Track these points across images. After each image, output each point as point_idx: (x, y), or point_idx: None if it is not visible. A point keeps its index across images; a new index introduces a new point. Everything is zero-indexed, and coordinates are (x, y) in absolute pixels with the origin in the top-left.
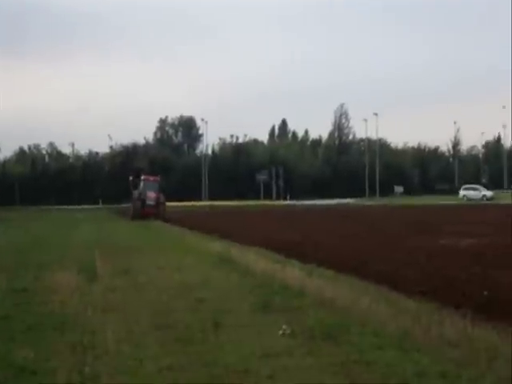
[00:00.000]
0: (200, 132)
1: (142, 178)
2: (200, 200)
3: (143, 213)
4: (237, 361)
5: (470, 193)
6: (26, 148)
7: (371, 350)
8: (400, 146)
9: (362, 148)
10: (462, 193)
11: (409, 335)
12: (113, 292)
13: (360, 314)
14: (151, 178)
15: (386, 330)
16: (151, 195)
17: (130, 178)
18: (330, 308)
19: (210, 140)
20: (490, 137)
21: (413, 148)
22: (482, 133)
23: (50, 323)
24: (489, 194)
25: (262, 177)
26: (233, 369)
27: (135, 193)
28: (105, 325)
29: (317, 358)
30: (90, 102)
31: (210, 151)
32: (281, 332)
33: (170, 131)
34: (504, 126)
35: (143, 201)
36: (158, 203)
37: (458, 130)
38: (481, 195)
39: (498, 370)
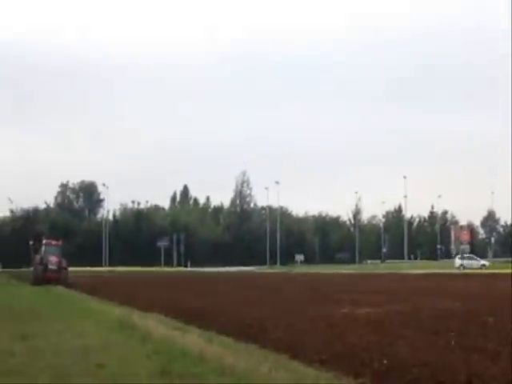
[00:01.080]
0: (101, 197)
1: (44, 241)
2: (100, 265)
3: (45, 278)
4: None
5: (468, 262)
6: None
7: None
8: (301, 214)
9: (264, 216)
10: (458, 262)
11: None
12: (12, 356)
13: (259, 381)
14: (53, 242)
15: None
16: (53, 259)
17: (31, 242)
18: (230, 374)
19: (112, 205)
20: (391, 207)
21: (313, 216)
22: (383, 202)
23: None
24: (487, 263)
25: (162, 243)
26: None
27: (37, 257)
28: None
29: None
30: None
31: (111, 216)
32: None
33: (71, 196)
34: (405, 196)
35: (45, 265)
36: (60, 268)
37: (359, 199)
38: (480, 264)
39: None
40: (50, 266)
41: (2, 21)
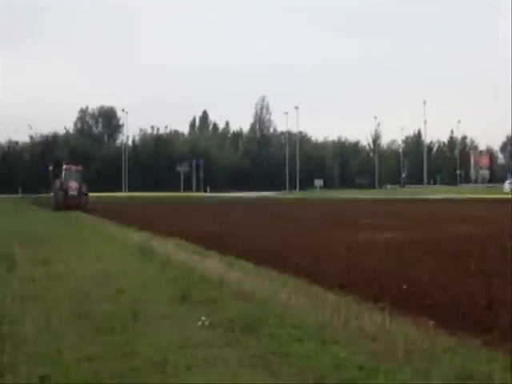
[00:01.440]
0: (120, 123)
1: (64, 167)
2: (120, 191)
3: (65, 203)
4: (155, 351)
5: None
6: None
7: (290, 342)
8: (320, 139)
9: (283, 141)
10: (507, 186)
11: (328, 328)
12: (32, 281)
13: (279, 307)
14: (73, 168)
15: (305, 323)
16: (73, 185)
17: (50, 167)
18: (250, 300)
19: (131, 131)
20: (410, 132)
21: (333, 142)
22: (402, 128)
23: None
24: None
25: (182, 169)
26: (151, 359)
27: (57, 182)
28: (24, 314)
29: (236, 349)
30: (9, 92)
31: (130, 142)
32: (199, 323)
33: (91, 121)
34: (424, 122)
35: (65, 191)
36: (80, 193)
37: (378, 125)
38: None
39: (415, 363)
40: (71, 192)
41: None
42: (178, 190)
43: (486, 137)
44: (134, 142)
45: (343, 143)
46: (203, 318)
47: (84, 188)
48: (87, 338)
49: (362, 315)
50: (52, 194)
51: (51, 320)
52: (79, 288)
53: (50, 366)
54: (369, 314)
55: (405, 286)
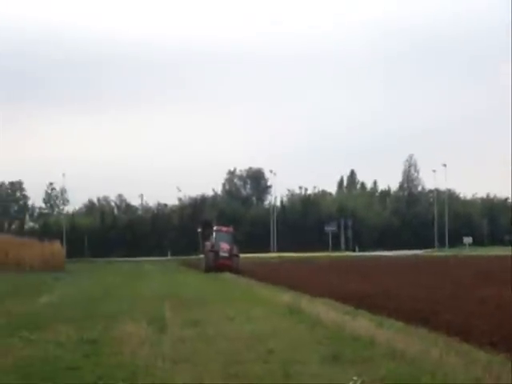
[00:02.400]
0: (268, 184)
1: (215, 228)
2: (269, 251)
3: (217, 265)
4: None
5: None
6: (95, 200)
7: None
8: (469, 196)
9: (431, 199)
10: None
11: None
12: (183, 343)
13: (430, 365)
14: (224, 229)
15: (457, 381)
16: (224, 247)
17: (199, 229)
18: (401, 359)
19: (279, 192)
20: None
21: (481, 199)
22: None
23: (120, 374)
24: None
25: (330, 228)
26: None
27: (208, 244)
28: (175, 375)
29: None
30: (158, 154)
31: (278, 203)
32: (351, 383)
33: (239, 183)
34: None
35: (216, 252)
36: (231, 255)
37: None
38: None
39: None
40: (222, 254)
41: None
42: (326, 249)
43: None
44: (282, 202)
45: (492, 200)
46: (355, 378)
47: (235, 249)
48: None
49: None
50: (202, 255)
51: (203, 381)
52: (230, 349)
53: None
54: None
55: None
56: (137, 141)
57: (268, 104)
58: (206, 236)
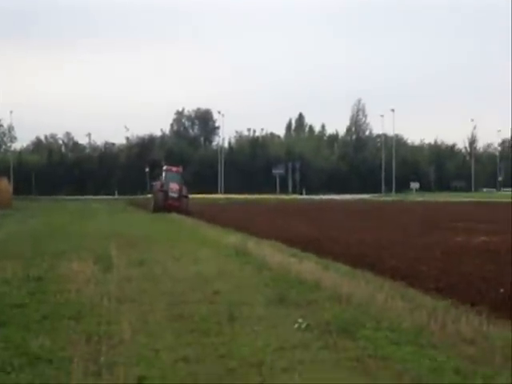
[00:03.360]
0: (216, 125)
1: (164, 168)
2: (216, 193)
3: (166, 205)
4: (252, 353)
5: None
6: (42, 138)
7: (387, 345)
8: (416, 142)
9: (379, 144)
10: None
11: (425, 331)
12: (128, 282)
13: (376, 310)
14: (174, 169)
15: (402, 326)
16: (174, 187)
17: (147, 169)
18: (346, 303)
19: (227, 133)
20: (507, 134)
21: (429, 145)
22: (499, 130)
23: (65, 312)
24: None
25: (278, 171)
26: (248, 361)
27: (157, 184)
28: (120, 315)
29: (333, 352)
30: (106, 93)
31: (226, 144)
32: (296, 325)
33: (187, 123)
34: None
35: (165, 192)
36: (180, 196)
37: (474, 128)
38: None
39: None
40: (171, 194)
41: None
42: (273, 192)
43: None
44: (230, 144)
45: (439, 146)
46: (300, 321)
47: (184, 190)
48: (184, 340)
49: (459, 319)
50: (150, 195)
51: (148, 321)
52: (175, 290)
53: (147, 367)
54: (466, 317)
55: (502, 290)
56: (85, 79)
57: (219, 44)
58: (155, 176)
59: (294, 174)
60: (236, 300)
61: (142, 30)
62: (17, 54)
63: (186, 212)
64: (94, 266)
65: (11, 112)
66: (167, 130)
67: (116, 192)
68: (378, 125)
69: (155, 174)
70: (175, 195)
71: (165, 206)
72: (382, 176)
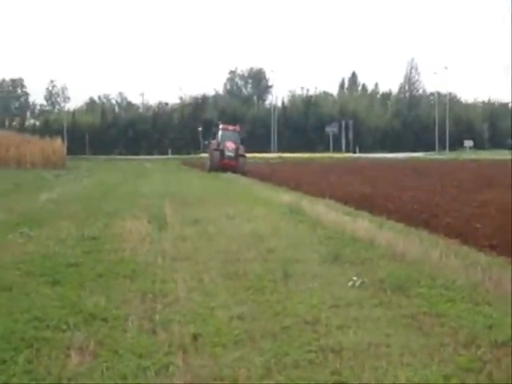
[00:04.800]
0: (270, 83)
1: (221, 126)
2: (269, 151)
3: (222, 164)
4: (307, 311)
5: None
6: (95, 98)
7: (441, 302)
8: (470, 100)
9: (432, 102)
10: None
11: (479, 288)
12: (183, 240)
13: (430, 267)
14: (230, 128)
15: (457, 284)
16: (230, 146)
17: (200, 128)
18: (400, 260)
19: (280, 92)
20: None
21: (483, 102)
22: None
23: (120, 271)
24: None
25: (331, 129)
26: (303, 319)
27: (213, 143)
28: (175, 273)
29: (387, 309)
30: (160, 53)
31: (279, 103)
32: (350, 283)
33: (240, 83)
34: None
35: (222, 151)
36: (237, 155)
37: None
38: None
39: None
40: (228, 153)
41: None
42: (327, 150)
43: None
44: (283, 103)
45: (493, 104)
46: (354, 278)
47: (241, 149)
48: (238, 297)
49: None
50: (207, 154)
51: (202, 279)
52: (230, 248)
53: (202, 325)
54: None
55: None
56: (139, 39)
57: (270, 4)
58: (212, 135)
59: (348, 133)
60: (290, 258)
61: None
62: (69, 15)
63: (243, 172)
64: (149, 225)
65: (66, 71)
66: (220, 89)
67: (169, 152)
68: (432, 83)
69: (211, 133)
70: (232, 154)
71: (221, 165)
72: (436, 133)
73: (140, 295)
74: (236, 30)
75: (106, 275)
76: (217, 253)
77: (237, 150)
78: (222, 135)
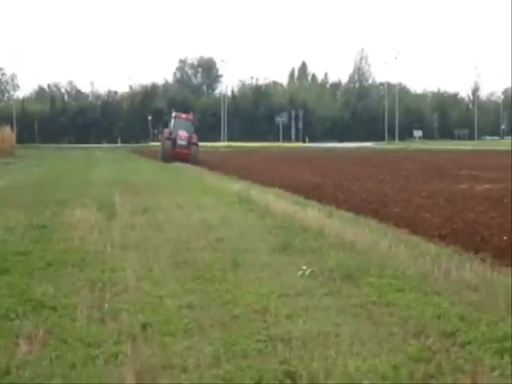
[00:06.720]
0: (219, 73)
1: (173, 115)
2: (219, 141)
3: (174, 153)
4: (256, 300)
5: None
6: (45, 86)
7: (391, 292)
8: (419, 90)
9: (382, 92)
10: None
11: (429, 278)
12: (132, 229)
13: (380, 257)
14: (183, 116)
15: (406, 273)
16: (183, 134)
17: (149, 117)
18: (350, 250)
19: (230, 81)
20: (510, 83)
21: (432, 93)
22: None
23: (69, 260)
24: None
25: (281, 119)
26: (252, 308)
27: (165, 131)
28: (124, 262)
29: (336, 298)
30: (109, 41)
31: (229, 92)
32: (300, 272)
33: (190, 72)
34: None
35: (174, 140)
36: (189, 144)
37: (478, 76)
38: None
39: None
40: (180, 142)
41: None
42: (277, 140)
43: None
44: (232, 92)
45: (442, 94)
46: (304, 268)
47: (194, 138)
48: (188, 287)
49: (463, 266)
50: (158, 143)
51: (152, 268)
52: (179, 237)
53: (152, 314)
54: (470, 264)
55: (506, 237)
56: (89, 27)
57: None
58: (165, 123)
59: (297, 122)
60: (240, 247)
61: None
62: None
63: (195, 160)
64: (98, 214)
65: (15, 55)
66: (170, 78)
67: (119, 140)
68: (381, 73)
69: (161, 121)
70: (184, 143)
71: (173, 154)
72: (385, 123)
73: (89, 284)
74: (186, 20)
75: (54, 264)
76: (166, 242)
77: (189, 138)
78: (174, 124)
